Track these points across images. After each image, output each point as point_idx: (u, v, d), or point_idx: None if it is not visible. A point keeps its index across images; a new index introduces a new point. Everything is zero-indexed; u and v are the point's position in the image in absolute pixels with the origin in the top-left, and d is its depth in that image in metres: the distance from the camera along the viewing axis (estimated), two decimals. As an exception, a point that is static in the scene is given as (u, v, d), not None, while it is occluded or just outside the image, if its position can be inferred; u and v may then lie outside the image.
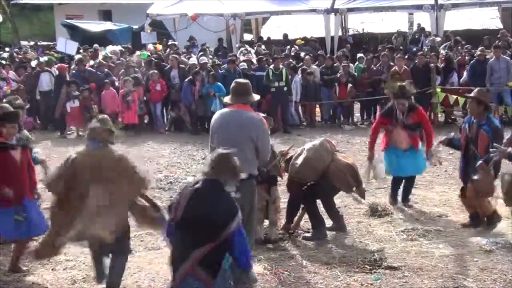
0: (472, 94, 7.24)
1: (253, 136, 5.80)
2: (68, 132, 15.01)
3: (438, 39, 18.44)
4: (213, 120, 6.07)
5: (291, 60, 16.41)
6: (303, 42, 21.24)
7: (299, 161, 7.17)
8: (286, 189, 7.60)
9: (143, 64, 16.13)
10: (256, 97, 6.16)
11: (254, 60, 16.20)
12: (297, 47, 20.06)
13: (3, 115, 6.11)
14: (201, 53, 17.85)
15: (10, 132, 6.14)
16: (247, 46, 19.84)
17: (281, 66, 14.68)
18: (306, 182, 7.26)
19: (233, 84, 6.11)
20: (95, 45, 19.64)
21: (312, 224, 7.33)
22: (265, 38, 22.85)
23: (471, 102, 7.16)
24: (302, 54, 18.13)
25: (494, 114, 7.18)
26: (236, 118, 5.86)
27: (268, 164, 6.60)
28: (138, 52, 18.16)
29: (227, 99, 6.17)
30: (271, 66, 14.72)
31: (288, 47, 20.20)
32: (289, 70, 15.01)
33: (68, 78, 15.05)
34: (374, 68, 15.25)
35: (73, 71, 15.86)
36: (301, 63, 15.93)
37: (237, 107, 5.95)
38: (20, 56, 19.38)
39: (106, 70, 15.66)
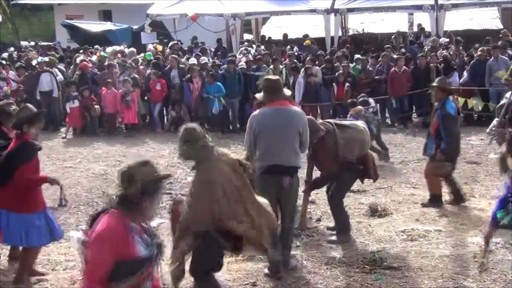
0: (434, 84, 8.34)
1: (300, 129, 5.96)
2: (70, 131, 15.00)
3: (441, 39, 18.38)
4: (254, 121, 5.97)
5: (295, 60, 16.36)
6: (310, 42, 21.11)
7: (344, 135, 6.83)
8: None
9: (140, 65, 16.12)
10: (288, 92, 6.28)
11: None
12: (297, 48, 20.03)
13: (33, 116, 5.80)
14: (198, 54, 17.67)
15: (37, 133, 5.86)
16: (253, 46, 19.82)
17: (280, 66, 14.67)
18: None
19: (265, 83, 6.13)
20: (85, 46, 19.63)
21: (336, 227, 7.15)
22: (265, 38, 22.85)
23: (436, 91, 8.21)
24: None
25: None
26: (283, 115, 5.95)
27: None
28: (142, 54, 17.99)
29: (259, 97, 6.18)
30: (271, 66, 14.72)
31: (289, 47, 20.18)
32: (291, 71, 14.97)
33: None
34: (370, 69, 15.25)
35: (77, 73, 15.84)
36: (301, 64, 15.90)
37: (278, 104, 5.99)
38: (22, 56, 19.35)
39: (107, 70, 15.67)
